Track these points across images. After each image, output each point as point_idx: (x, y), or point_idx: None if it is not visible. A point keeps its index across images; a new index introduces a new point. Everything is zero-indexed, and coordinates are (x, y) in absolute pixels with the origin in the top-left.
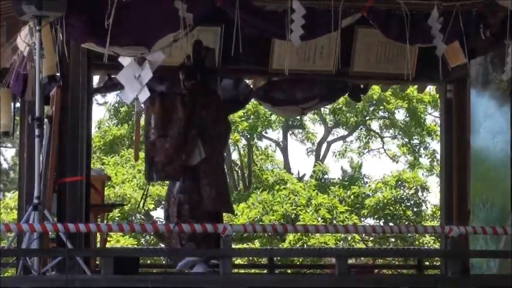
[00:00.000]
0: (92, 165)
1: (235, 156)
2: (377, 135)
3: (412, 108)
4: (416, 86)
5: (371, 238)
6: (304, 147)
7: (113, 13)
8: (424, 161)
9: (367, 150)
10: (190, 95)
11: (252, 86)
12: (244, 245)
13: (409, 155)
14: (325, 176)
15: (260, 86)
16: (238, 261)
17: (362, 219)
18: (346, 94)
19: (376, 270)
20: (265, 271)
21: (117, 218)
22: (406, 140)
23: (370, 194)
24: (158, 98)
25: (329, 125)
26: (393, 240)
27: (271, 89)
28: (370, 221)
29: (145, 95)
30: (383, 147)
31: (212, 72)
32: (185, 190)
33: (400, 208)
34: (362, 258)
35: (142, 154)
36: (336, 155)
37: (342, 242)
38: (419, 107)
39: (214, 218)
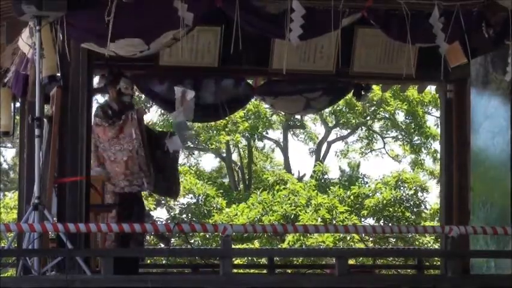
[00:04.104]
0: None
1: (235, 156)
2: (379, 136)
3: (412, 110)
4: (416, 86)
5: (371, 238)
6: (305, 147)
7: (113, 13)
8: (427, 161)
9: (369, 150)
10: None
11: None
12: (244, 245)
13: (411, 154)
14: (325, 176)
15: (260, 84)
16: (238, 261)
17: (362, 219)
18: (350, 93)
19: (377, 270)
20: (265, 271)
21: None
22: (408, 140)
23: (370, 195)
24: None
25: (329, 125)
26: (393, 240)
27: (272, 85)
28: (370, 222)
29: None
30: (384, 148)
31: None
32: None
33: (400, 209)
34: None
35: None
36: (338, 156)
37: (341, 242)
38: (418, 109)
39: None
